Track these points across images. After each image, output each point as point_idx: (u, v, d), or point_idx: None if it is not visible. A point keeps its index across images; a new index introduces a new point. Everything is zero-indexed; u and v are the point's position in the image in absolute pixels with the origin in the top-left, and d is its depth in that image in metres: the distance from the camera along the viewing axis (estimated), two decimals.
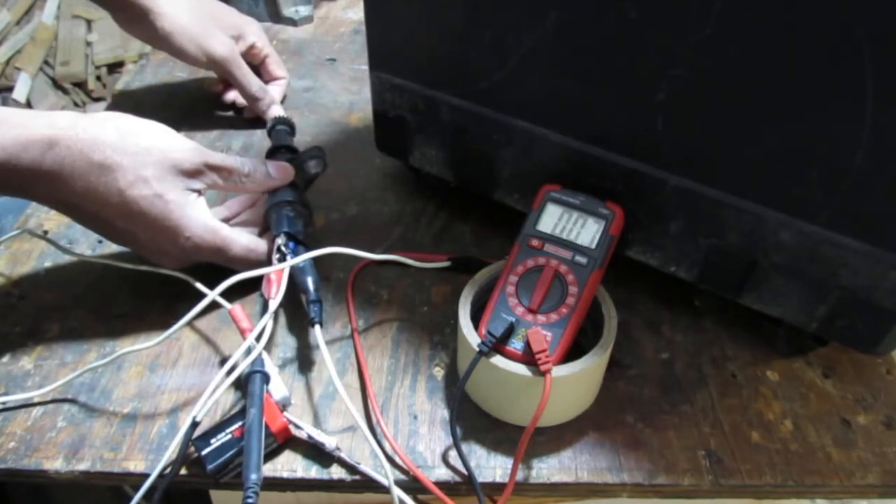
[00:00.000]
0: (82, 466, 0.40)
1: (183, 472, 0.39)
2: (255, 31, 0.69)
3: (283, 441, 0.41)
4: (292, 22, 0.89)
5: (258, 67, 0.71)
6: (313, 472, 0.40)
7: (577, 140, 0.45)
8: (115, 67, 2.15)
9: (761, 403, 0.44)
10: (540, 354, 0.38)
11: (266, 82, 0.71)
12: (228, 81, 0.68)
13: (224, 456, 0.39)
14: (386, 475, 0.38)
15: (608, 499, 0.41)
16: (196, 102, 0.73)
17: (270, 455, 0.41)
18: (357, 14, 0.93)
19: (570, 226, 0.44)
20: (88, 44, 2.16)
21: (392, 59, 0.53)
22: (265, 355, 0.43)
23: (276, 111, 0.68)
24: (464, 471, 0.39)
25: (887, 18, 0.31)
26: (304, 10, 0.89)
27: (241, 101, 0.70)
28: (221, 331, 0.48)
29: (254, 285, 0.48)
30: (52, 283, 0.52)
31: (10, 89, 2.02)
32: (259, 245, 0.50)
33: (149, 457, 0.40)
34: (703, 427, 0.42)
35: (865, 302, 0.39)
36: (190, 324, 0.48)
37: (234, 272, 0.45)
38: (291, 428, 0.41)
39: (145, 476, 0.39)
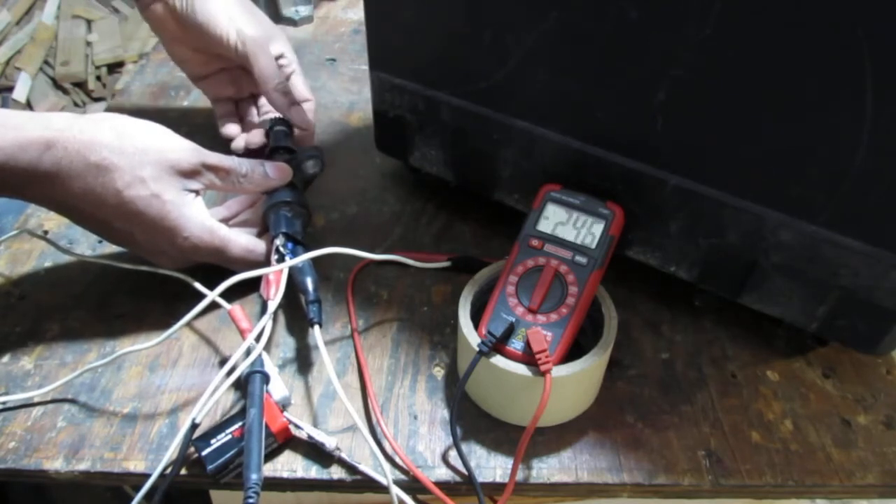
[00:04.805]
0: (82, 466, 0.40)
1: (183, 472, 0.39)
2: (285, 42, 0.64)
3: (284, 441, 0.41)
4: (292, 22, 0.89)
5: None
6: (313, 472, 0.40)
7: (577, 140, 0.45)
8: (115, 67, 2.15)
9: (761, 403, 0.44)
10: (540, 354, 0.38)
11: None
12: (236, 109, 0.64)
13: (224, 456, 0.39)
14: (386, 475, 0.38)
15: (608, 499, 0.41)
16: (196, 103, 0.73)
17: (270, 455, 0.40)
18: (357, 14, 0.93)
19: (570, 226, 0.44)
20: (88, 44, 2.16)
21: (392, 59, 0.53)
22: (265, 355, 0.43)
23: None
24: (464, 471, 0.39)
25: (887, 18, 0.31)
26: (304, 10, 0.89)
27: (247, 142, 0.64)
28: (221, 331, 0.48)
29: (253, 286, 0.48)
30: (52, 283, 0.52)
31: (10, 89, 2.02)
32: (258, 245, 0.50)
33: (149, 457, 0.40)
34: (703, 427, 0.42)
35: (865, 302, 0.39)
36: (190, 324, 0.48)
37: (233, 273, 0.45)
38: (291, 428, 0.41)
39: (145, 476, 0.39)
